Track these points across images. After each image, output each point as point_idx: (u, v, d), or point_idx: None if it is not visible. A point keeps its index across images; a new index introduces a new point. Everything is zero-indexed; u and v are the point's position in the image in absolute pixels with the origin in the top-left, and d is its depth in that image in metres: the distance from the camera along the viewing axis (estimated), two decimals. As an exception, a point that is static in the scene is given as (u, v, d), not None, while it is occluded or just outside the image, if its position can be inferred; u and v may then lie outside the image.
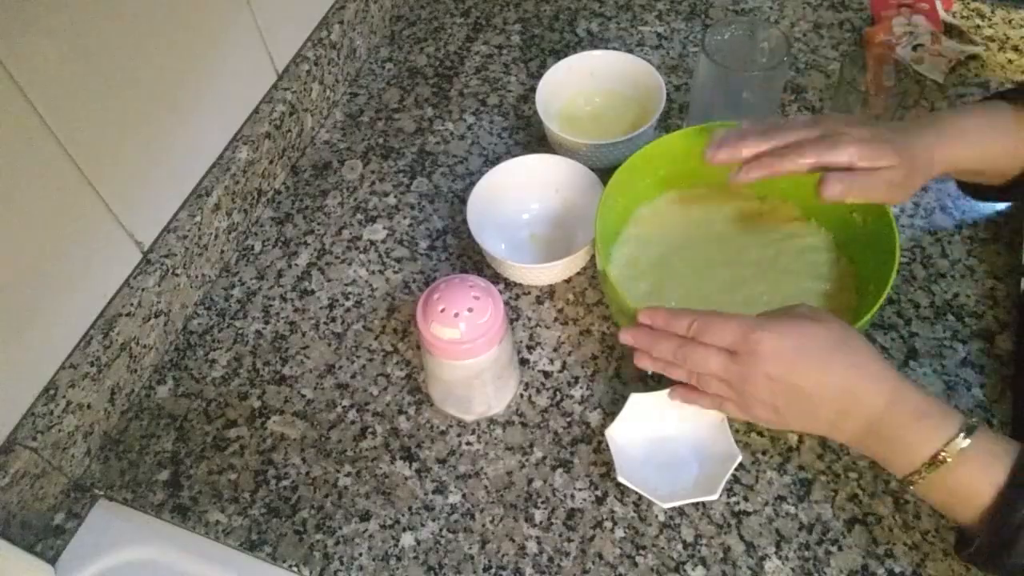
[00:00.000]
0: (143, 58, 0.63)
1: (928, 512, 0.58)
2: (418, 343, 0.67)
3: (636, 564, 0.58)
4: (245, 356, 0.70)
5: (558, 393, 0.66)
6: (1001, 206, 0.73)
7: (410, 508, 0.61)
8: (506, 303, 0.71)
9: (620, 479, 0.57)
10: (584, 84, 0.82)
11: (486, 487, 0.62)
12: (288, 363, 0.69)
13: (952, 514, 0.51)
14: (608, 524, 0.59)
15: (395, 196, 0.80)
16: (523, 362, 0.68)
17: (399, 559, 0.59)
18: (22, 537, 0.61)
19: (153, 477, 0.64)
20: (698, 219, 0.70)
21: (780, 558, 0.57)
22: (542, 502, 0.61)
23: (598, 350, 0.68)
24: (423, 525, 0.60)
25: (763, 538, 0.58)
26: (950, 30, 0.87)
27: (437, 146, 0.84)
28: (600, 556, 0.58)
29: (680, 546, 0.58)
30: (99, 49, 0.59)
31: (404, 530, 0.60)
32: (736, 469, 0.60)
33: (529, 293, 0.72)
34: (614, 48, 0.88)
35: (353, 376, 0.68)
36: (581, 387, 0.66)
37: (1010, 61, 0.85)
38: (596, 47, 0.86)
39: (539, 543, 0.59)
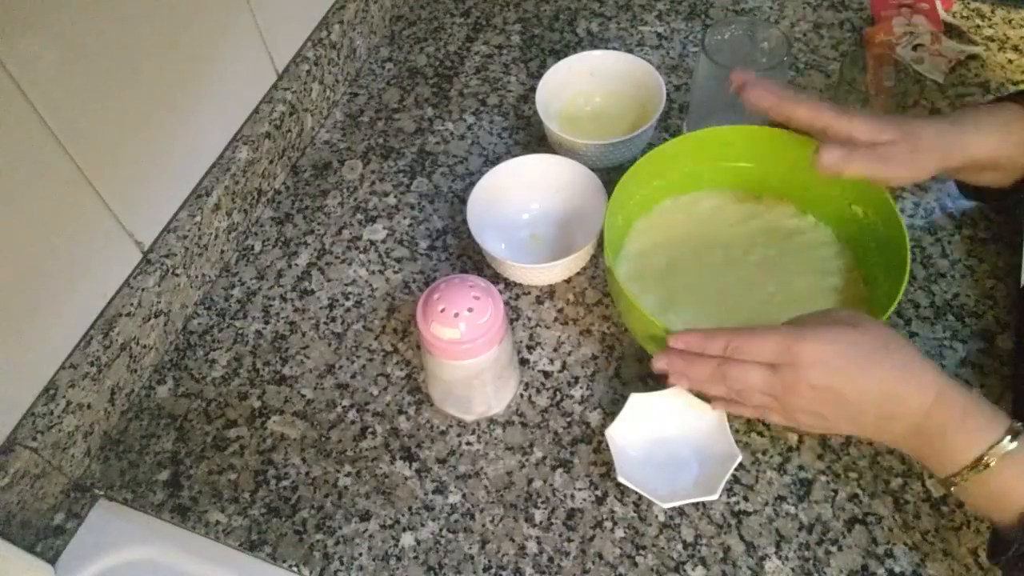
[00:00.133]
0: (143, 58, 0.63)
1: (928, 512, 0.58)
2: (418, 343, 0.67)
3: (636, 564, 0.58)
4: (245, 356, 0.70)
5: (558, 393, 0.66)
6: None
7: (410, 508, 0.61)
8: (506, 303, 0.71)
9: (620, 479, 0.57)
10: (584, 84, 0.82)
11: (486, 487, 0.62)
12: (288, 363, 0.69)
13: (991, 517, 0.51)
14: (608, 524, 0.59)
15: (395, 196, 0.80)
16: (523, 362, 0.68)
17: (399, 559, 0.59)
18: (22, 537, 0.61)
19: (153, 477, 0.64)
20: (696, 225, 0.70)
21: (780, 558, 0.57)
22: (542, 502, 0.61)
23: (598, 350, 0.68)
24: (423, 525, 0.60)
25: (763, 538, 0.58)
26: (950, 30, 0.87)
27: (437, 146, 0.84)
28: (600, 556, 0.58)
29: (680, 546, 0.58)
30: (99, 49, 0.59)
31: (404, 530, 0.60)
32: (736, 469, 0.60)
33: (529, 293, 0.72)
34: (614, 48, 0.88)
35: (353, 376, 0.68)
36: (581, 387, 0.66)
37: (1010, 61, 0.85)
38: (596, 47, 0.86)
39: (539, 543, 0.59)
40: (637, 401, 0.61)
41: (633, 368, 0.67)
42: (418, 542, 0.60)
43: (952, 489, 0.51)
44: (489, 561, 0.58)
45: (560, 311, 0.71)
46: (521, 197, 0.75)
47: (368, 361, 0.69)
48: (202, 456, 0.65)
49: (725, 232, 0.70)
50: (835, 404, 0.51)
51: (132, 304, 0.66)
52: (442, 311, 0.56)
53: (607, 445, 0.60)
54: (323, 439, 0.65)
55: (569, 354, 0.68)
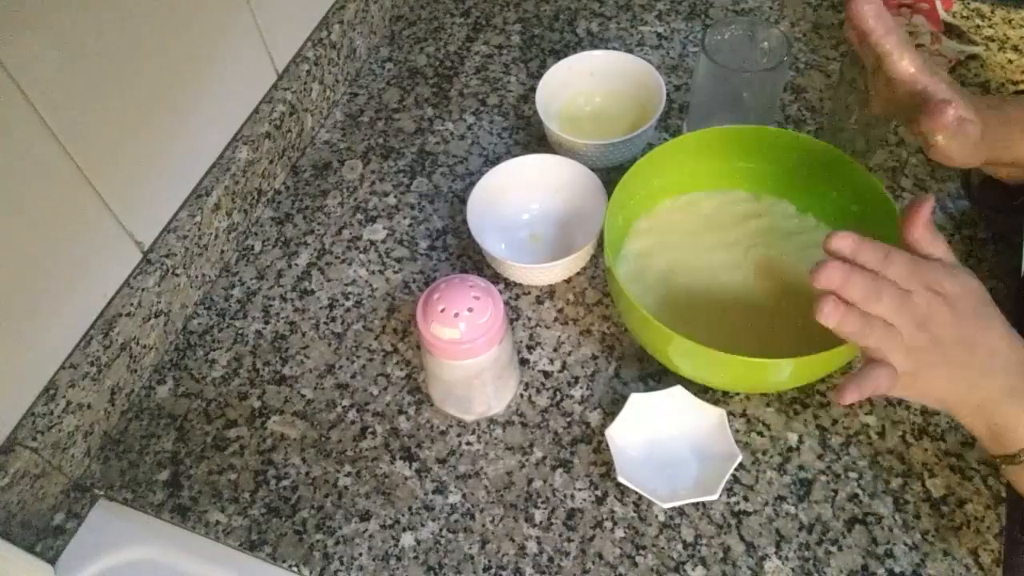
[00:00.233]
0: (143, 58, 0.63)
1: (928, 512, 0.58)
2: (418, 343, 0.67)
3: (636, 564, 0.58)
4: (245, 356, 0.70)
5: (558, 393, 0.66)
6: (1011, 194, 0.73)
7: (410, 508, 0.61)
8: (506, 303, 0.71)
9: (620, 479, 0.57)
10: (584, 84, 0.82)
11: (486, 487, 0.62)
12: (288, 363, 0.69)
13: None
14: (608, 524, 0.59)
15: (395, 196, 0.80)
16: (523, 362, 0.68)
17: (399, 559, 0.59)
18: (22, 537, 0.61)
19: (153, 477, 0.64)
20: (696, 226, 0.70)
21: (780, 558, 0.57)
22: (542, 502, 0.61)
23: (598, 350, 0.68)
24: (423, 525, 0.60)
25: (763, 538, 0.58)
26: (950, 30, 0.87)
27: (437, 146, 0.84)
28: (600, 556, 0.58)
29: (680, 546, 0.58)
30: (99, 49, 0.59)
31: (404, 530, 0.60)
32: (736, 469, 0.60)
33: (529, 293, 0.72)
34: (614, 48, 0.88)
35: (353, 376, 0.68)
36: (581, 387, 0.66)
37: (1010, 61, 0.85)
38: (596, 47, 0.86)
39: (539, 543, 0.59)
40: (637, 401, 0.61)
41: (633, 368, 0.67)
42: (418, 542, 0.60)
43: (1010, 467, 0.50)
44: (489, 561, 0.58)
45: (560, 311, 0.71)
46: (521, 197, 0.75)
47: (368, 361, 0.69)
48: (202, 456, 0.65)
49: (725, 232, 0.70)
50: (954, 350, 0.49)
51: (132, 304, 0.66)
52: (442, 311, 0.56)
53: (607, 445, 0.60)
54: (323, 439, 0.65)
55: (569, 354, 0.68)
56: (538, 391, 0.66)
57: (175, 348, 0.71)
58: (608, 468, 0.62)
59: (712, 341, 0.55)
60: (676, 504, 0.58)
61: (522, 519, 0.60)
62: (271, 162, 0.79)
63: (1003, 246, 0.71)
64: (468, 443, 0.64)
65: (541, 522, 0.60)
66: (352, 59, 0.90)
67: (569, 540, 0.59)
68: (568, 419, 0.65)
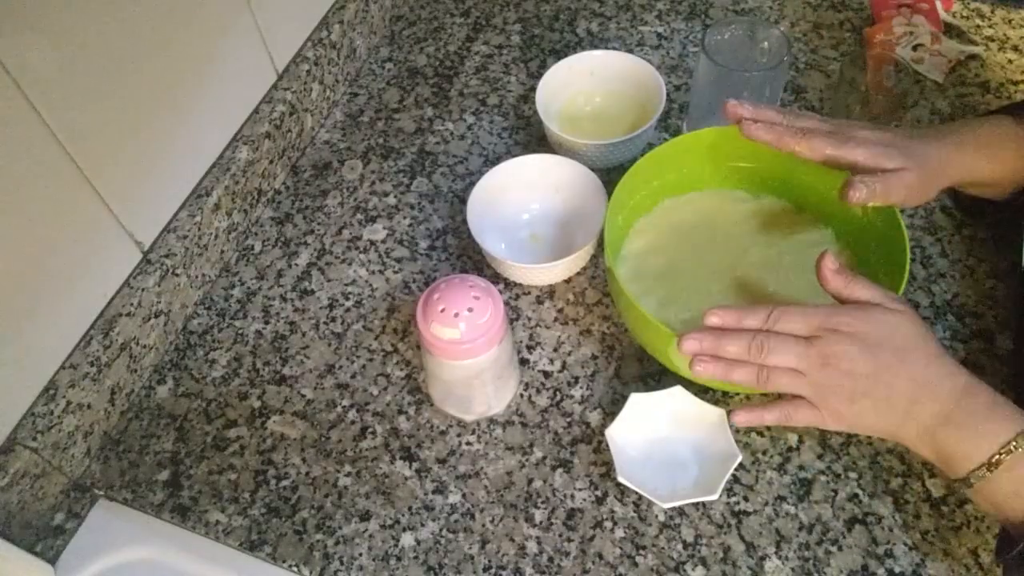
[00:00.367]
0: (143, 58, 0.63)
1: (928, 512, 0.58)
2: (418, 343, 0.67)
3: (636, 564, 0.58)
4: (245, 356, 0.70)
5: (558, 393, 0.66)
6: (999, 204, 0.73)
7: (410, 508, 0.61)
8: (506, 303, 0.71)
9: (620, 479, 0.57)
10: (584, 84, 0.82)
11: (486, 487, 0.62)
12: (288, 363, 0.69)
13: (1006, 516, 0.51)
14: (608, 524, 0.59)
15: (395, 196, 0.80)
16: (523, 362, 0.68)
17: (399, 559, 0.59)
18: (22, 537, 0.61)
19: (153, 477, 0.64)
20: (696, 225, 0.70)
21: (780, 558, 0.57)
22: (542, 502, 0.61)
23: (598, 350, 0.68)
24: (423, 525, 0.60)
25: (763, 538, 0.58)
26: (950, 30, 0.87)
27: (437, 146, 0.84)
28: (600, 556, 0.58)
29: (680, 546, 0.58)
30: (99, 49, 0.59)
31: (404, 530, 0.60)
32: (736, 469, 0.60)
33: (529, 293, 0.72)
34: (614, 48, 0.88)
35: (353, 376, 0.68)
36: (581, 387, 0.66)
37: (1010, 61, 0.85)
38: (596, 47, 0.86)
39: (539, 543, 0.59)
40: (637, 401, 0.61)
41: (633, 368, 0.67)
42: (418, 542, 0.60)
43: (973, 487, 0.50)
44: (489, 561, 0.58)
45: (560, 311, 0.71)
46: (521, 197, 0.75)
47: (368, 361, 0.69)
48: (202, 456, 0.65)
49: (725, 232, 0.70)
50: (870, 382, 0.51)
51: (132, 304, 0.66)
52: (442, 311, 0.56)
53: (607, 445, 0.60)
54: (323, 439, 0.65)
55: (569, 354, 0.68)
56: (538, 391, 0.66)
57: (175, 348, 0.71)
58: (608, 468, 0.62)
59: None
60: (676, 504, 0.58)
61: (522, 519, 0.60)
62: (271, 162, 0.79)
63: (1003, 246, 0.71)
64: (468, 443, 0.64)
65: (541, 522, 0.60)
66: (352, 59, 0.90)
67: (569, 540, 0.59)
68: (568, 419, 0.65)
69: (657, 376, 0.66)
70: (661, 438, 0.61)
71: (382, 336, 0.71)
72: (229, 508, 0.62)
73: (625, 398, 0.61)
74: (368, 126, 0.86)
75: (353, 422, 0.66)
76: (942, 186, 0.61)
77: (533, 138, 0.83)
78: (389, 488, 0.62)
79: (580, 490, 0.61)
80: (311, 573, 0.59)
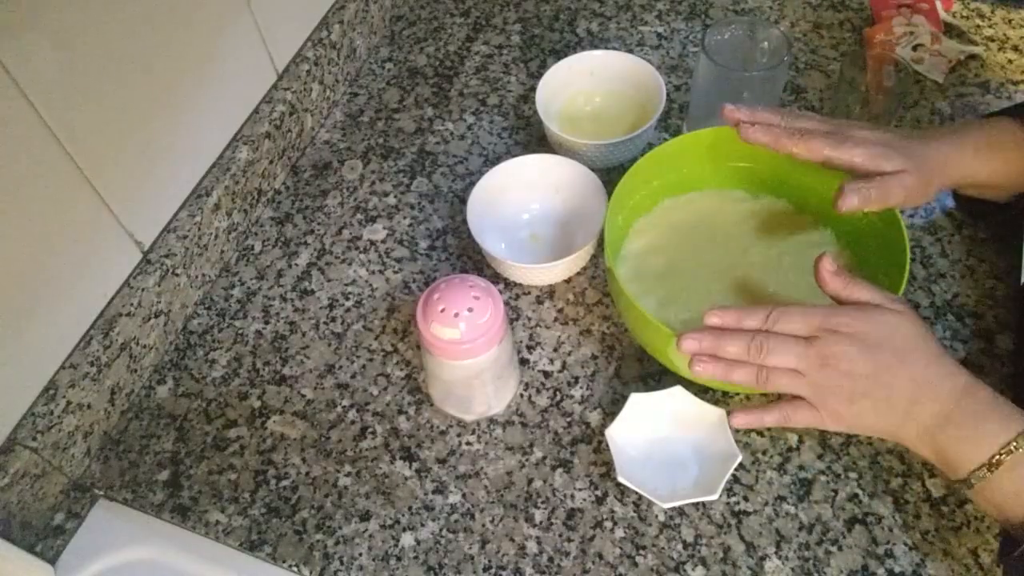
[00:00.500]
0: (143, 58, 0.63)
1: (928, 512, 0.58)
2: (418, 343, 0.67)
3: (636, 564, 0.58)
4: (245, 356, 0.70)
5: (558, 393, 0.66)
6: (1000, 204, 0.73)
7: (410, 508, 0.61)
8: (506, 303, 0.71)
9: (620, 479, 0.57)
10: (584, 84, 0.82)
11: (486, 487, 0.62)
12: (288, 363, 0.69)
13: (1007, 517, 0.51)
14: (608, 524, 0.59)
15: (395, 196, 0.80)
16: (523, 362, 0.68)
17: (399, 559, 0.59)
18: (22, 537, 0.61)
19: (153, 477, 0.64)
20: (696, 225, 0.70)
21: (780, 558, 0.57)
22: (542, 502, 0.61)
23: (598, 350, 0.68)
24: (423, 525, 0.60)
25: (763, 538, 0.58)
26: (950, 30, 0.87)
27: (437, 146, 0.84)
28: (600, 556, 0.58)
29: (680, 546, 0.58)
30: (99, 49, 0.59)
31: (404, 530, 0.60)
32: (736, 469, 0.60)
33: (529, 293, 0.72)
34: (614, 48, 0.88)
35: (353, 376, 0.68)
36: (581, 387, 0.66)
37: (1010, 61, 0.85)
38: (596, 47, 0.86)
39: (539, 543, 0.59)
40: (637, 401, 0.61)
41: (633, 368, 0.67)
42: (418, 542, 0.60)
43: (973, 488, 0.50)
44: (489, 561, 0.58)
45: (560, 311, 0.71)
46: (521, 197, 0.75)
47: (368, 361, 0.69)
48: (202, 456, 0.65)
49: (725, 232, 0.70)
50: (869, 383, 0.51)
51: (132, 304, 0.66)
52: (442, 311, 0.56)
53: (607, 445, 0.60)
54: (323, 439, 0.65)
55: (569, 354, 0.68)
56: (538, 391, 0.66)
57: (175, 348, 0.71)
58: (608, 468, 0.62)
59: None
60: (676, 504, 0.58)
61: (522, 519, 0.60)
62: (271, 162, 0.79)
63: (1003, 246, 0.71)
64: (468, 443, 0.64)
65: (541, 522, 0.60)
66: (352, 59, 0.90)
67: (569, 540, 0.59)
68: (568, 419, 0.65)
69: (657, 376, 0.66)
70: (661, 438, 0.61)
71: (382, 336, 0.71)
72: (229, 508, 0.62)
73: (625, 398, 0.61)
74: (368, 126, 0.86)
75: (353, 422, 0.66)
76: (942, 187, 0.61)
77: (533, 138, 0.83)
78: (389, 488, 0.62)
79: (580, 490, 0.61)
80: (311, 573, 0.59)
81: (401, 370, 0.68)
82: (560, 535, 0.59)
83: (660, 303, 0.66)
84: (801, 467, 0.61)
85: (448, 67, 0.91)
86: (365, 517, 0.61)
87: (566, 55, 0.81)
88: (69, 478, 0.64)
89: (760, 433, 0.63)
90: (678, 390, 0.61)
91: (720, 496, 0.60)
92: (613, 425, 0.60)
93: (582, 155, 0.75)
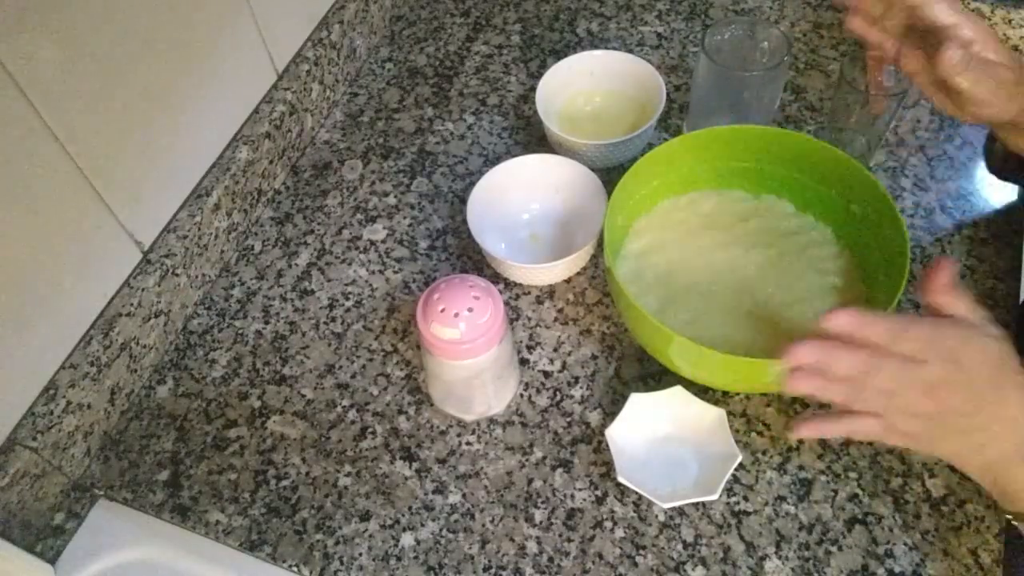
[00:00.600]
0: (143, 58, 0.63)
1: (928, 512, 0.58)
2: (418, 343, 0.67)
3: (636, 564, 0.58)
4: (245, 356, 0.70)
5: (558, 393, 0.66)
6: (1000, 205, 0.73)
7: (410, 508, 0.61)
8: (506, 303, 0.71)
9: (620, 479, 0.57)
10: (584, 84, 0.82)
11: (486, 487, 0.62)
12: (288, 363, 0.69)
13: None
14: (608, 524, 0.59)
15: (395, 196, 0.80)
16: (523, 362, 0.68)
17: (399, 559, 0.59)
18: (22, 537, 0.61)
19: (153, 477, 0.64)
20: (696, 225, 0.70)
21: (780, 558, 0.57)
22: (542, 502, 0.61)
23: (598, 350, 0.68)
24: (423, 525, 0.60)
25: (763, 538, 0.58)
26: (950, 30, 0.87)
27: (437, 146, 0.84)
28: (600, 556, 0.58)
29: (680, 546, 0.58)
30: (99, 49, 0.59)
31: (404, 530, 0.60)
32: (736, 469, 0.60)
33: (529, 293, 0.72)
34: (614, 48, 0.88)
35: (353, 376, 0.68)
36: (581, 387, 0.66)
37: (1010, 61, 0.84)
38: (596, 47, 0.86)
39: (539, 543, 0.59)
40: (637, 401, 0.61)
41: (633, 368, 0.67)
42: (418, 542, 0.60)
43: (1020, 524, 0.50)
44: (489, 561, 0.58)
45: (560, 311, 0.71)
46: (521, 197, 0.75)
47: (368, 361, 0.69)
48: (202, 456, 0.65)
49: (725, 232, 0.70)
50: (961, 414, 0.48)
51: (132, 304, 0.66)
52: (442, 311, 0.56)
53: (607, 445, 0.60)
54: (323, 439, 0.65)
55: (569, 354, 0.68)
56: (538, 391, 0.66)
57: (175, 348, 0.71)
58: (608, 468, 0.62)
59: (712, 341, 0.55)
60: (676, 504, 0.58)
61: (522, 519, 0.60)
62: (271, 162, 0.79)
63: (1003, 246, 0.71)
64: (468, 443, 0.64)
65: (541, 522, 0.60)
66: (352, 59, 0.90)
67: (569, 540, 0.59)
68: (568, 419, 0.65)
69: (657, 376, 0.66)
70: (661, 438, 0.61)
71: (382, 336, 0.71)
72: (229, 508, 0.62)
73: (625, 398, 0.61)
74: (368, 126, 0.86)
75: (353, 422, 0.66)
76: (1019, 105, 0.56)
77: (533, 138, 0.83)
78: (389, 488, 0.62)
79: (580, 490, 0.61)
80: (311, 573, 0.59)
81: (401, 370, 0.68)
82: (560, 535, 0.59)
83: (660, 303, 0.66)
84: (801, 467, 0.61)
85: (448, 67, 0.91)
86: (365, 517, 0.61)
87: (566, 55, 0.81)
88: (69, 478, 0.64)
89: (760, 433, 0.63)
90: (678, 390, 0.61)
91: (720, 496, 0.60)
92: (613, 425, 0.60)
93: (582, 155, 0.75)
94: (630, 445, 0.61)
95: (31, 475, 0.60)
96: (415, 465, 0.63)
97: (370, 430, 0.65)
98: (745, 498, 0.60)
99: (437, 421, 0.65)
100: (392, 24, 0.96)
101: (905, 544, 0.57)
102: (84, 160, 0.60)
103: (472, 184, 0.72)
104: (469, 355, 0.58)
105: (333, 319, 0.72)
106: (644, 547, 0.58)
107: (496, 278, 0.72)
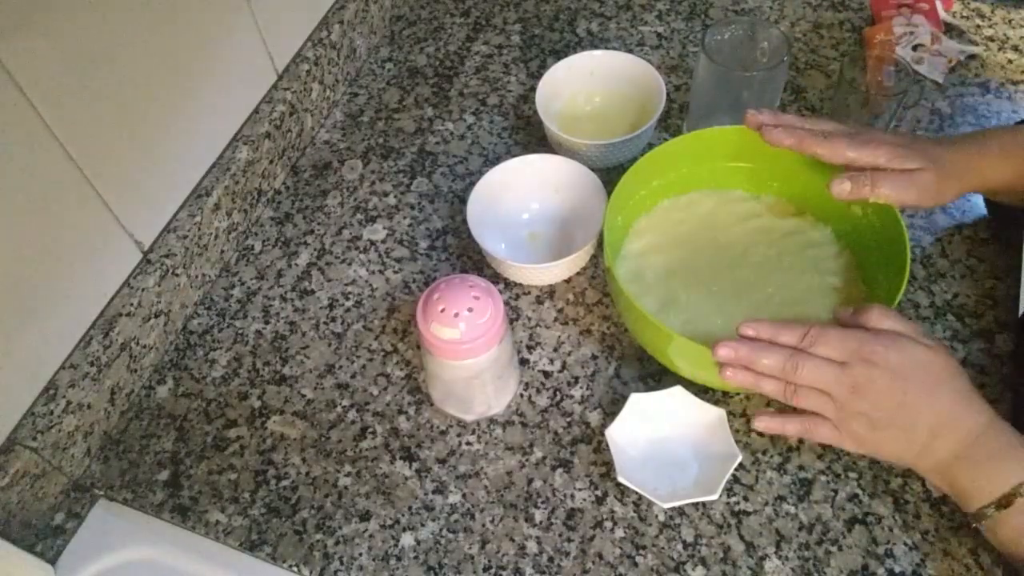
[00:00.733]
0: (143, 58, 0.63)
1: (928, 512, 0.58)
2: (418, 343, 0.67)
3: (636, 564, 0.58)
4: (245, 356, 0.70)
5: (558, 393, 0.66)
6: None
7: (410, 508, 0.61)
8: (506, 303, 0.71)
9: (620, 479, 0.57)
10: (584, 84, 0.82)
11: (486, 487, 0.62)
12: (288, 363, 0.69)
13: (1019, 552, 0.51)
14: (608, 524, 0.59)
15: (395, 196, 0.80)
16: (523, 362, 0.68)
17: (399, 559, 0.59)
18: (22, 537, 0.61)
19: (153, 477, 0.64)
20: (696, 225, 0.70)
21: (780, 558, 0.57)
22: (542, 502, 0.61)
23: (598, 350, 0.68)
24: (423, 525, 0.60)
25: (763, 538, 0.58)
26: (950, 30, 0.87)
27: (437, 146, 0.84)
28: (600, 556, 0.58)
29: (680, 546, 0.58)
30: (99, 49, 0.59)
31: (404, 530, 0.60)
32: (736, 469, 0.60)
33: (529, 293, 0.72)
34: (614, 48, 0.88)
35: (353, 376, 0.68)
36: (581, 387, 0.66)
37: (1010, 61, 0.85)
38: (596, 47, 0.86)
39: (539, 543, 0.59)
40: (637, 401, 0.61)
41: (633, 368, 0.67)
42: (418, 542, 0.60)
43: (985, 523, 0.51)
44: (489, 561, 0.58)
45: (560, 311, 0.71)
46: (521, 197, 0.75)
47: (368, 361, 0.69)
48: (202, 456, 0.65)
49: (725, 232, 0.70)
50: (895, 412, 0.51)
51: (132, 304, 0.66)
52: (442, 311, 0.56)
53: (607, 445, 0.60)
54: (323, 439, 0.65)
55: (569, 354, 0.68)
56: (538, 391, 0.66)
57: (175, 348, 0.71)
58: (608, 468, 0.62)
59: (712, 342, 0.55)
60: (676, 504, 0.58)
61: (522, 519, 0.60)
62: (271, 162, 0.79)
63: (1003, 246, 0.71)
64: (468, 443, 0.64)
65: (541, 522, 0.60)
66: (352, 59, 0.90)
67: (569, 540, 0.59)
68: (568, 419, 0.65)
69: (657, 376, 0.66)
70: (661, 438, 0.61)
71: (382, 336, 0.71)
72: (229, 508, 0.62)
73: (625, 398, 0.61)
74: (368, 126, 0.86)
75: (353, 422, 0.66)
76: (961, 190, 0.61)
77: (533, 138, 0.83)
78: (389, 488, 0.62)
79: (580, 490, 0.61)
80: (311, 573, 0.59)
81: (401, 370, 0.68)
82: (560, 535, 0.59)
83: (660, 303, 0.66)
84: (801, 467, 0.61)
85: (448, 67, 0.91)
86: (365, 517, 0.61)
87: (566, 55, 0.81)
88: (69, 478, 0.64)
89: (760, 433, 0.63)
90: (678, 390, 0.61)
91: (720, 496, 0.60)
92: (613, 425, 0.60)
93: (582, 155, 0.75)
94: (630, 445, 0.61)
95: (31, 475, 0.60)
96: (415, 465, 0.63)
97: (370, 430, 0.65)
98: (745, 498, 0.60)
99: (437, 421, 0.65)
100: (392, 24, 0.96)
101: (905, 544, 0.57)
102: (84, 160, 0.60)
103: (472, 184, 0.72)
104: (469, 355, 0.58)
105: (333, 319, 0.72)
106: (644, 547, 0.58)
107: (496, 278, 0.72)
